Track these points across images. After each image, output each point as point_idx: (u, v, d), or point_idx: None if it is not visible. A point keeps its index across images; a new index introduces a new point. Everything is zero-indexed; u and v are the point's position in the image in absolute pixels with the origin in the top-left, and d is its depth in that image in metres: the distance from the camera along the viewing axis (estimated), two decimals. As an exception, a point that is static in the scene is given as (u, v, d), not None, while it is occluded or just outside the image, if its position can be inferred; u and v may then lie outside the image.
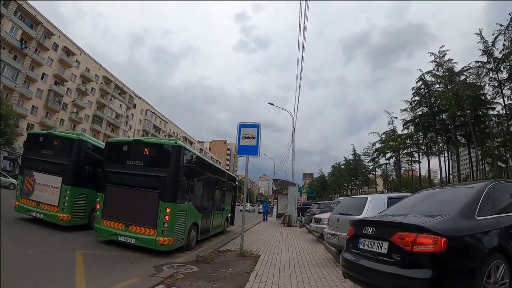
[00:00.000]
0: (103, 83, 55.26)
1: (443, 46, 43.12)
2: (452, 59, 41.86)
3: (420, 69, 43.50)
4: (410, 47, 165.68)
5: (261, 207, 44.34)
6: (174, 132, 73.88)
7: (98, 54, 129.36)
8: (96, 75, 53.71)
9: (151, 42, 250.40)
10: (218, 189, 12.15)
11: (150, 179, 7.85)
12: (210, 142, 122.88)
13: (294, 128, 27.00)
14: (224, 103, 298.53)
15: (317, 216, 10.95)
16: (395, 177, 61.64)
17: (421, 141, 47.56)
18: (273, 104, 28.54)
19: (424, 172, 58.78)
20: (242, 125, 8.97)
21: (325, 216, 10.16)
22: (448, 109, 37.89)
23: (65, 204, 8.61)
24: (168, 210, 7.49)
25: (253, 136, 8.80)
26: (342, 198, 26.80)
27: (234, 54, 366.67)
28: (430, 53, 43.21)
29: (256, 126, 8.92)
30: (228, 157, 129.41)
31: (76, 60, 50.11)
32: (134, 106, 63.09)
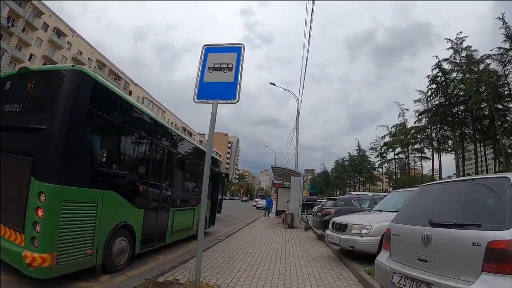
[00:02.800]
0: (97, 67, 50.95)
1: (461, 32, 38.46)
2: (471, 46, 37.37)
3: (436, 56, 38.89)
4: (415, 46, 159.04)
5: (260, 202, 41.55)
6: (172, 122, 69.50)
7: (101, 47, 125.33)
8: (89, 58, 49.46)
9: (155, 37, 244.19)
10: (186, 172, 7.99)
11: (21, 136, 3.93)
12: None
13: (299, 112, 22.65)
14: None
15: (339, 220, 6.54)
16: (399, 175, 57.57)
17: (434, 136, 42.80)
18: (274, 84, 24.15)
19: (427, 171, 54.13)
20: (210, 49, 4.69)
21: (360, 221, 5.88)
22: (470, 98, 33.37)
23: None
24: (42, 197, 3.48)
25: (229, 66, 4.52)
26: (355, 193, 22.55)
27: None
28: (447, 39, 38.78)
29: (236, 49, 4.63)
30: (229, 150, 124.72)
31: (68, 42, 45.97)
32: (130, 93, 58.74)
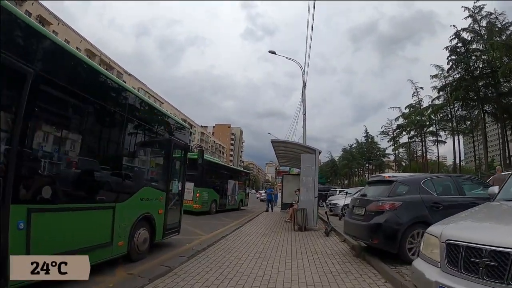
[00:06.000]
0: (86, 56, 46.86)
1: (477, 0, 33.38)
2: (491, 13, 32.26)
3: (454, 25, 33.94)
4: (418, 35, 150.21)
5: (264, 194, 37.41)
6: (172, 113, 64.98)
7: (103, 44, 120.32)
8: (77, 47, 45.14)
9: (157, 32, 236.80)
10: (89, 129, 3.77)
11: None
12: (214, 127, 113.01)
13: (305, 83, 18.35)
14: (231, 92, 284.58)
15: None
16: (408, 162, 52.84)
17: (451, 116, 37.86)
18: (275, 53, 19.67)
19: (435, 158, 48.76)
20: None
21: None
22: (494, 71, 28.63)
23: None
24: None
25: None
26: (386, 174, 17.85)
27: (241, 42, 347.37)
28: (464, 7, 33.84)
29: None
30: (232, 141, 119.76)
31: (53, 31, 41.66)
32: (124, 84, 54.56)
